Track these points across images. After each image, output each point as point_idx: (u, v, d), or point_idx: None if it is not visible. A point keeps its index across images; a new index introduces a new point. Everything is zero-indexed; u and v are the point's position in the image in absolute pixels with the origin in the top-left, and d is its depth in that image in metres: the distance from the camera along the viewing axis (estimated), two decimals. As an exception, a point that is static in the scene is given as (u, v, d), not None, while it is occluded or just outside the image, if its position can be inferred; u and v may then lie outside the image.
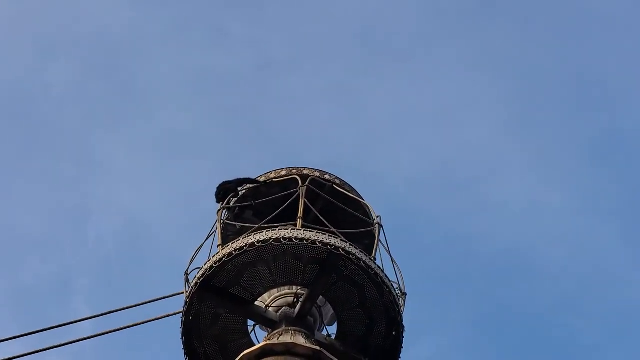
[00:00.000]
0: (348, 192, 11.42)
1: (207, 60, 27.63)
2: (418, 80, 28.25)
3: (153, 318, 11.05)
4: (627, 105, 26.96)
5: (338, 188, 11.40)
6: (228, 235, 11.24)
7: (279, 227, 9.95)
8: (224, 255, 9.87)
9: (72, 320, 11.48)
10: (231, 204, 11.37)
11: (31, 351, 10.88)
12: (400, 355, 10.27)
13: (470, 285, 26.44)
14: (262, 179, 11.57)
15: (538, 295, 26.73)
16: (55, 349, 11.05)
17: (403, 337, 10.21)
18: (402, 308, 10.24)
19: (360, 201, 11.43)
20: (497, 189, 27.66)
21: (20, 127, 27.01)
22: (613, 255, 27.03)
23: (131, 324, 11.18)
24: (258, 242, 9.76)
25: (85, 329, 11.78)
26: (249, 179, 11.56)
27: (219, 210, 11.23)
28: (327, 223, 10.22)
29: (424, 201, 27.46)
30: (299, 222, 10.26)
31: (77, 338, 11.18)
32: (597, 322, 26.78)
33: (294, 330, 9.74)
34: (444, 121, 27.72)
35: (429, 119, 27.94)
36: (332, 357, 9.21)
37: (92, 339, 11.20)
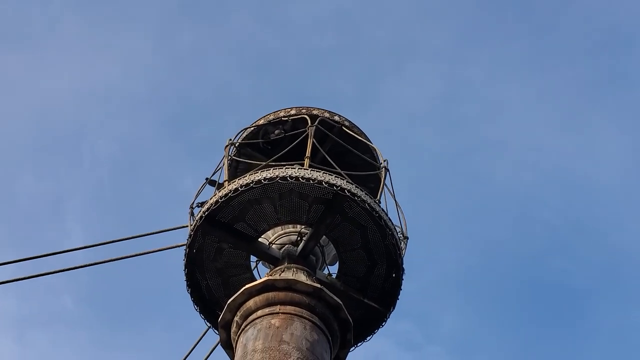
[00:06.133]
0: (357, 134, 11.46)
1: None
2: (421, 15, 28.01)
3: (157, 249, 11.03)
4: (632, 49, 26.81)
5: (347, 130, 11.46)
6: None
7: (286, 166, 9.94)
8: (230, 190, 9.85)
9: (71, 248, 11.29)
10: (238, 142, 11.41)
11: (26, 276, 10.80)
12: (399, 297, 10.41)
13: (463, 224, 26.55)
14: (271, 117, 11.60)
15: (531, 238, 26.86)
16: (50, 275, 10.91)
17: (402, 279, 10.32)
18: (403, 252, 10.34)
19: (368, 144, 11.48)
20: (497, 128, 27.56)
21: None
22: (609, 201, 27.10)
23: (134, 254, 11.09)
24: (265, 179, 9.73)
25: (81, 254, 11.60)
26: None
27: (227, 145, 11.27)
28: (334, 164, 10.25)
29: (423, 137, 27.43)
30: (307, 161, 10.29)
31: (74, 265, 10.99)
32: (590, 266, 26.97)
33: (296, 268, 9.81)
34: (446, 57, 27.56)
35: (430, 54, 27.77)
36: (332, 295, 9.28)
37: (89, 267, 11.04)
